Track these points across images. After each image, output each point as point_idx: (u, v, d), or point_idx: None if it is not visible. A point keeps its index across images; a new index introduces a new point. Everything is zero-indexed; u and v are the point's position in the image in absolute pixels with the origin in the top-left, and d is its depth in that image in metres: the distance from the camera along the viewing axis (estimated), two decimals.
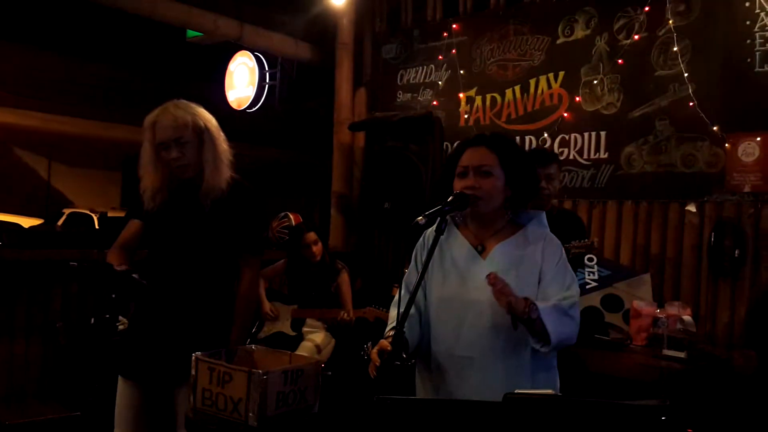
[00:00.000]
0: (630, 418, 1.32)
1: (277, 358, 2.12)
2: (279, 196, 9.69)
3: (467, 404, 1.57)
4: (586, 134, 4.27)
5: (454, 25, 4.98)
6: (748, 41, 3.63)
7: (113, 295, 2.12)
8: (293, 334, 4.20)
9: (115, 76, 13.14)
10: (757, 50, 3.61)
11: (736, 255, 3.61)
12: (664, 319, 3.38)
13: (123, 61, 13.09)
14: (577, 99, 4.30)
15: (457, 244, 2.01)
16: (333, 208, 5.65)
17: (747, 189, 3.62)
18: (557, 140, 4.40)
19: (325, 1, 5.37)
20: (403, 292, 2.01)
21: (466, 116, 4.88)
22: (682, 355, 3.14)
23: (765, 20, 3.59)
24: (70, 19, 11.36)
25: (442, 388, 1.94)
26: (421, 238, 2.09)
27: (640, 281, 3.86)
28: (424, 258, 1.95)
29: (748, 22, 3.64)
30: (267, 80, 8.49)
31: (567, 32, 4.39)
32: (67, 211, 11.92)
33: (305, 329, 4.23)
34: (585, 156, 4.27)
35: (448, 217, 1.95)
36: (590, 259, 3.88)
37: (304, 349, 4.06)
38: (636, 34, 4.05)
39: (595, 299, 3.78)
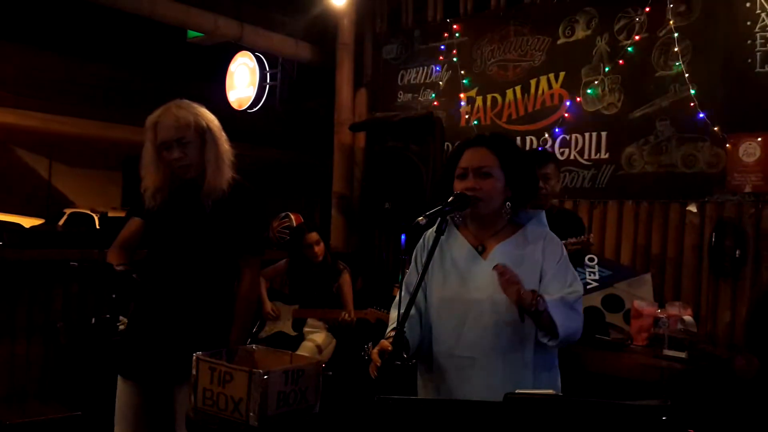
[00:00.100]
0: (631, 418, 1.32)
1: (278, 358, 2.12)
2: (279, 197, 9.70)
3: (468, 404, 1.57)
4: (586, 134, 4.27)
5: (454, 26, 4.99)
6: (749, 42, 3.63)
7: (114, 295, 2.13)
8: (294, 334, 4.20)
9: (115, 77, 13.14)
10: (758, 51, 3.60)
11: (736, 255, 3.61)
12: (664, 319, 3.38)
13: (123, 62, 13.09)
14: (578, 99, 4.30)
15: (457, 244, 2.01)
16: (333, 208, 5.65)
17: (748, 189, 3.62)
18: (558, 140, 4.40)
19: (325, 2, 5.37)
20: (403, 293, 2.02)
21: (466, 116, 4.88)
22: (682, 355, 3.14)
23: (766, 21, 3.59)
24: (70, 19, 11.36)
25: (444, 389, 1.94)
26: (421, 240, 2.09)
27: (640, 281, 3.86)
28: (424, 259, 1.95)
29: (748, 23, 3.64)
30: (267, 80, 8.49)
31: (567, 33, 4.40)
32: (67, 211, 11.93)
33: (306, 329, 4.23)
34: (586, 156, 4.27)
35: (447, 217, 1.95)
36: (591, 259, 3.89)
37: (305, 349, 4.06)
38: (636, 34, 4.05)
39: (595, 299, 3.78)
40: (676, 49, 3.88)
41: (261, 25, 6.07)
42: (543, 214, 2.05)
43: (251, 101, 8.55)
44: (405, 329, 1.79)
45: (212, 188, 2.30)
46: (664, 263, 3.93)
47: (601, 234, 4.19)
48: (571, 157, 4.33)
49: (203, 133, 2.30)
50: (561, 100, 4.40)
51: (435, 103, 5.07)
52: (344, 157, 5.64)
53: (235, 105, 8.65)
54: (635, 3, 4.06)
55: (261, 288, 4.10)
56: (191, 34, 6.93)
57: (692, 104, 3.80)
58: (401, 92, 5.34)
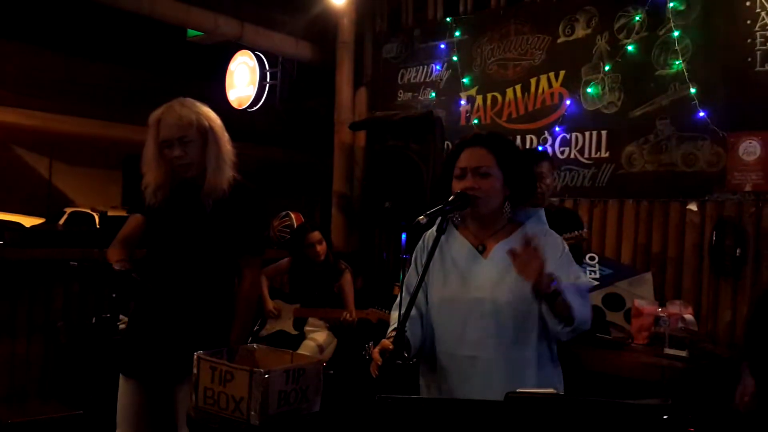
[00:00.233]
0: (632, 417, 1.32)
1: (279, 357, 2.12)
2: (279, 196, 9.69)
3: (469, 403, 1.57)
4: (587, 133, 4.27)
5: (454, 25, 4.98)
6: (749, 40, 3.63)
7: (114, 295, 2.13)
8: (295, 333, 4.20)
9: (115, 76, 13.14)
10: (758, 49, 3.60)
11: (737, 254, 3.61)
12: (665, 318, 3.39)
13: (124, 61, 13.09)
14: (578, 98, 4.30)
15: (457, 244, 2.01)
16: (334, 207, 5.65)
17: (748, 188, 3.62)
18: (558, 139, 4.40)
19: (325, 1, 5.37)
20: (404, 294, 2.02)
21: (466, 115, 4.88)
22: (683, 354, 3.15)
23: (765, 20, 3.59)
24: (70, 18, 11.36)
25: (447, 389, 1.94)
26: (420, 241, 2.09)
27: (641, 280, 3.86)
28: (424, 260, 1.95)
29: (748, 22, 3.64)
30: (268, 80, 8.49)
31: (568, 31, 4.39)
32: (68, 210, 11.93)
33: (307, 328, 4.23)
34: (586, 155, 4.27)
35: (447, 218, 1.95)
36: (591, 258, 3.89)
37: (307, 348, 4.06)
38: (636, 33, 4.05)
39: (596, 298, 3.79)
40: (676, 48, 3.88)
41: (261, 24, 6.07)
42: (542, 212, 2.06)
43: (251, 100, 8.55)
44: (406, 329, 1.79)
45: (213, 188, 2.31)
46: (664, 262, 3.93)
47: (601, 233, 4.19)
48: (572, 156, 4.33)
49: (205, 132, 2.31)
50: (561, 98, 4.40)
51: (435, 101, 5.07)
52: (344, 156, 5.64)
53: (235, 104, 8.65)
54: (635, 2, 4.05)
55: (262, 286, 4.10)
56: (191, 33, 6.92)
57: (692, 103, 3.80)
58: (401, 91, 5.34)
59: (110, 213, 10.70)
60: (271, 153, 12.86)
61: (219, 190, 2.31)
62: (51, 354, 3.93)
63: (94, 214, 10.93)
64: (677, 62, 3.86)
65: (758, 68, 3.60)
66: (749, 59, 3.63)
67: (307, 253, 4.22)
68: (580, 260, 3.64)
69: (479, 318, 1.90)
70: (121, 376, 2.38)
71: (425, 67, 5.18)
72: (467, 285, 1.94)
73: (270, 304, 4.20)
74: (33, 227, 9.77)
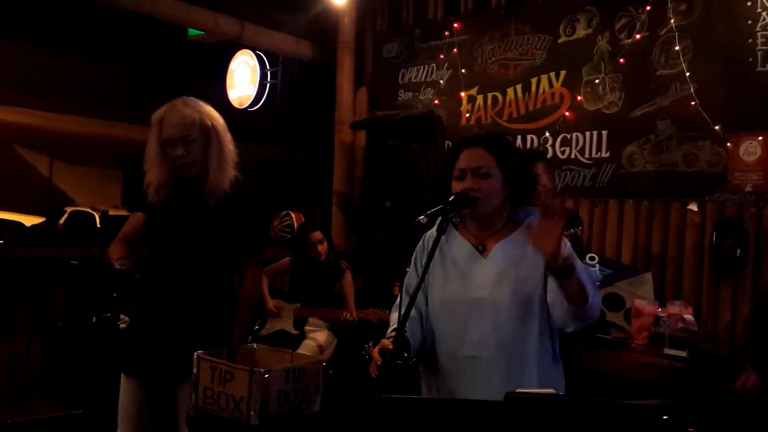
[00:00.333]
0: (631, 417, 1.32)
1: (279, 356, 2.12)
2: (280, 195, 9.69)
3: (468, 403, 1.57)
4: (587, 133, 4.27)
5: (455, 24, 4.98)
6: (750, 40, 3.63)
7: (114, 294, 2.13)
8: (295, 332, 4.20)
9: (116, 75, 13.13)
10: (759, 50, 3.60)
11: (737, 254, 3.61)
12: (665, 318, 3.39)
13: (124, 60, 13.08)
14: (579, 98, 4.30)
15: (457, 245, 2.01)
16: (334, 206, 5.65)
17: (749, 188, 3.62)
18: (558, 139, 4.40)
19: (326, 0, 5.37)
20: (403, 295, 2.02)
21: (467, 115, 4.88)
22: (683, 354, 3.14)
23: (766, 20, 3.59)
24: (71, 17, 11.36)
25: (449, 389, 1.93)
26: (420, 242, 2.09)
27: (641, 280, 3.86)
28: (423, 261, 1.95)
29: (749, 22, 3.63)
30: (268, 79, 8.50)
31: (568, 31, 4.39)
32: (68, 209, 11.92)
33: (308, 328, 4.23)
34: (586, 155, 4.26)
35: (447, 218, 1.95)
36: (591, 258, 3.89)
37: (307, 347, 4.06)
38: (637, 33, 4.05)
39: None
40: (677, 48, 3.87)
41: (261, 23, 6.07)
42: None
43: (252, 100, 8.56)
44: (406, 329, 1.79)
45: (214, 187, 2.31)
46: (664, 262, 3.92)
47: (601, 233, 4.19)
48: (572, 156, 4.33)
49: (208, 132, 2.31)
50: (562, 98, 4.40)
51: (436, 101, 5.06)
52: (345, 155, 5.64)
53: (235, 103, 8.66)
54: (636, 2, 4.05)
55: (263, 286, 4.10)
56: (192, 32, 6.93)
57: (693, 103, 3.80)
58: (402, 91, 5.34)
59: (111, 212, 10.70)
60: (271, 152, 12.86)
61: (221, 190, 2.32)
62: (51, 354, 3.93)
63: (95, 213, 10.93)
64: (678, 62, 3.86)
65: (759, 68, 3.60)
66: (750, 59, 3.62)
67: (308, 252, 4.22)
68: (580, 258, 3.65)
69: (480, 318, 1.90)
70: (122, 375, 2.39)
71: (426, 66, 5.17)
72: (468, 285, 1.94)
73: (270, 303, 4.20)
74: (33, 226, 9.76)
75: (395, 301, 2.08)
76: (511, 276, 1.91)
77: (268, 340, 4.05)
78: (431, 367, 1.99)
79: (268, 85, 8.53)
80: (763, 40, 3.59)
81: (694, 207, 3.81)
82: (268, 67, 8.53)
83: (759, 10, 3.60)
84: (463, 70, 4.91)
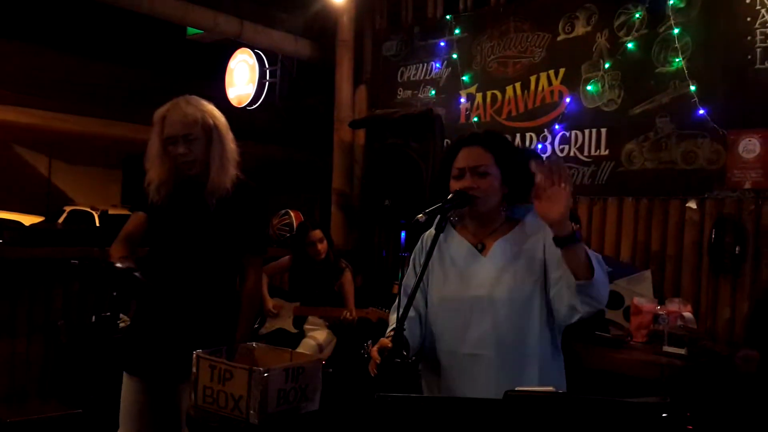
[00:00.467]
0: (630, 415, 1.31)
1: (278, 355, 2.12)
2: (279, 194, 9.69)
3: (468, 402, 1.57)
4: (586, 131, 4.27)
5: (454, 22, 4.98)
6: (749, 38, 3.62)
7: (114, 293, 2.13)
8: (295, 331, 4.20)
9: (115, 74, 13.12)
10: (758, 47, 3.60)
11: (736, 252, 3.61)
12: (664, 316, 3.38)
13: (123, 59, 13.08)
14: (578, 96, 4.30)
15: (456, 243, 2.01)
16: (333, 205, 5.65)
17: (748, 186, 3.62)
18: (558, 137, 4.40)
19: None
20: (402, 295, 2.02)
21: (466, 113, 4.88)
22: (682, 351, 3.14)
23: (766, 17, 3.58)
24: (70, 17, 11.35)
25: (450, 388, 1.94)
26: (419, 242, 2.10)
27: (640, 278, 3.86)
28: (422, 260, 1.95)
29: (748, 19, 3.63)
30: (267, 78, 8.48)
31: (567, 29, 4.39)
32: (67, 208, 11.91)
33: (307, 326, 4.23)
34: (585, 153, 4.26)
35: (446, 217, 1.95)
36: None
37: (306, 346, 4.06)
38: (636, 30, 4.05)
39: None
40: (676, 46, 3.87)
41: (260, 22, 6.06)
42: None
43: (251, 98, 8.55)
44: (404, 328, 1.79)
45: (216, 186, 2.32)
46: (663, 260, 3.92)
47: (600, 231, 4.19)
48: (571, 153, 4.33)
49: (210, 130, 2.32)
50: (561, 96, 4.40)
51: (435, 100, 5.06)
52: (344, 154, 5.64)
53: (234, 102, 8.65)
54: None
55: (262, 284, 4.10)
56: (191, 31, 6.92)
57: (692, 100, 3.80)
58: (401, 89, 5.34)
59: (110, 212, 10.70)
60: (270, 151, 12.85)
61: (222, 189, 2.33)
62: (51, 353, 3.94)
63: (94, 212, 10.93)
64: (677, 60, 3.86)
65: (758, 65, 3.59)
66: (749, 56, 3.62)
67: (307, 251, 4.22)
68: None
69: (480, 316, 1.90)
70: (124, 373, 2.39)
71: (425, 64, 5.17)
72: (467, 283, 1.94)
73: (269, 302, 4.20)
74: (32, 226, 9.76)
75: (394, 300, 2.08)
76: (510, 274, 1.91)
77: (268, 338, 4.05)
78: (431, 366, 1.99)
79: (267, 83, 8.52)
80: (762, 37, 3.59)
81: (693, 204, 3.81)
82: (267, 66, 8.52)
83: (758, 7, 3.60)
84: (462, 68, 4.90)
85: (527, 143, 4.52)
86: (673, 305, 3.45)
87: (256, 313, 2.57)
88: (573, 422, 1.32)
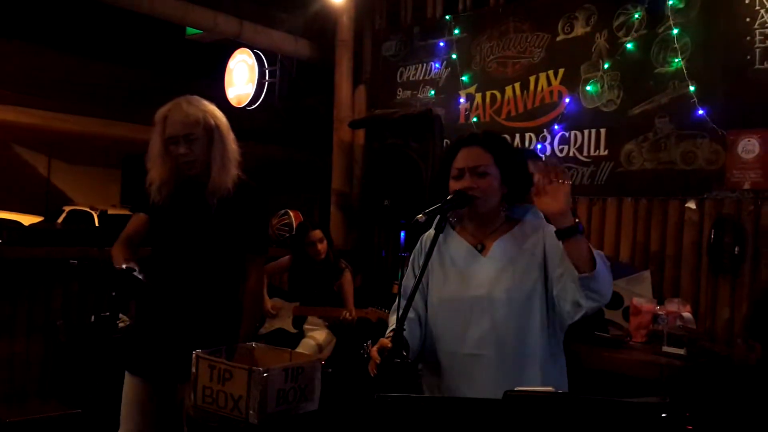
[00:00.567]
0: (630, 415, 1.31)
1: (278, 355, 2.12)
2: (278, 194, 9.69)
3: (467, 402, 1.57)
4: (585, 131, 4.27)
5: (453, 22, 4.98)
6: (748, 38, 3.62)
7: (113, 293, 2.13)
8: (294, 331, 4.20)
9: (115, 74, 13.12)
10: (757, 47, 3.60)
11: (735, 252, 3.61)
12: (663, 316, 3.38)
13: (123, 59, 13.07)
14: (577, 96, 4.30)
15: (456, 244, 2.01)
16: (333, 205, 5.65)
17: (747, 186, 3.62)
18: (557, 137, 4.40)
19: None
20: (401, 296, 2.02)
21: (466, 114, 4.88)
22: (681, 351, 3.14)
23: (765, 17, 3.58)
24: (70, 17, 11.35)
25: (451, 388, 1.94)
26: (418, 244, 2.10)
27: (639, 278, 3.86)
28: (421, 261, 1.95)
29: (748, 19, 3.63)
30: (267, 77, 8.48)
31: (567, 29, 4.39)
32: (67, 208, 11.91)
33: (307, 326, 4.23)
34: (585, 153, 4.26)
35: (445, 217, 1.95)
36: None
37: (306, 346, 4.06)
38: (636, 31, 4.05)
39: None
40: (675, 46, 3.87)
41: (260, 22, 6.06)
42: None
43: (250, 98, 8.54)
44: (404, 328, 1.79)
45: (217, 186, 2.32)
46: (663, 260, 3.92)
47: (599, 231, 4.19)
48: (570, 154, 4.33)
49: (211, 131, 2.33)
50: (560, 96, 4.40)
51: (434, 100, 5.06)
52: (343, 154, 5.64)
53: (234, 102, 8.65)
54: (634, 0, 4.05)
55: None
56: (190, 31, 6.92)
57: (691, 101, 3.80)
58: (400, 89, 5.34)
59: (110, 212, 10.69)
60: (270, 151, 12.85)
61: (224, 189, 2.33)
62: (50, 353, 3.94)
63: (93, 212, 10.92)
64: (676, 60, 3.86)
65: (757, 66, 3.60)
66: (748, 57, 3.62)
67: (307, 251, 4.22)
68: None
69: (480, 316, 1.90)
70: (126, 373, 2.40)
71: (424, 65, 5.17)
72: (467, 283, 1.94)
73: (268, 303, 4.20)
74: (32, 226, 9.75)
75: (394, 300, 2.08)
76: (510, 273, 1.91)
77: (267, 338, 4.05)
78: (432, 367, 1.99)
79: (267, 83, 8.52)
80: (762, 37, 3.59)
81: (692, 205, 3.81)
82: (266, 66, 8.52)
83: (757, 7, 3.60)
84: (461, 69, 4.90)
85: (526, 143, 4.52)
86: (673, 305, 3.45)
87: (259, 311, 2.58)
88: (572, 422, 1.32)
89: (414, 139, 4.89)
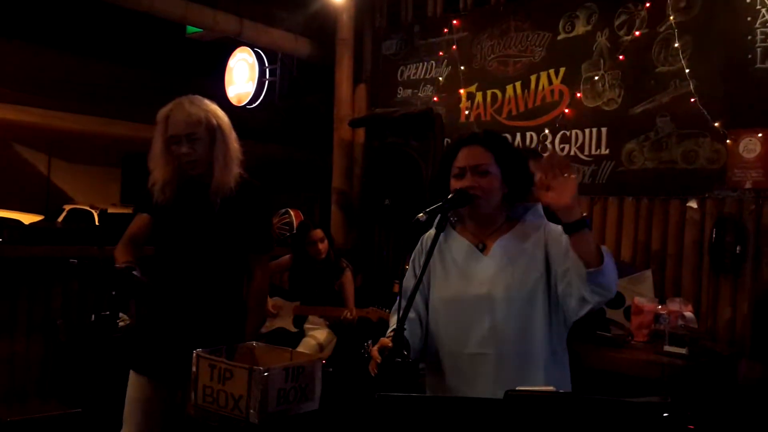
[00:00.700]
0: (632, 415, 1.31)
1: (279, 355, 2.12)
2: (279, 193, 9.68)
3: (468, 401, 1.57)
4: (587, 130, 4.26)
5: (454, 21, 4.97)
6: (749, 37, 3.62)
7: (113, 292, 2.13)
8: (295, 330, 4.20)
9: (115, 73, 13.13)
10: (758, 46, 3.59)
11: (737, 251, 3.60)
12: (665, 316, 3.38)
13: (123, 58, 13.08)
14: (578, 95, 4.29)
15: (457, 244, 2.00)
16: (333, 204, 5.64)
17: (748, 185, 3.61)
18: (558, 137, 4.39)
19: None
20: (402, 297, 2.01)
21: (466, 112, 4.87)
22: (683, 351, 3.14)
23: (766, 16, 3.58)
24: (70, 16, 11.35)
25: (455, 388, 1.92)
26: (418, 244, 2.09)
27: (641, 277, 3.85)
28: (422, 262, 1.95)
29: (749, 18, 3.63)
30: (267, 76, 8.49)
31: (568, 28, 4.38)
32: (67, 207, 11.91)
33: (307, 326, 4.23)
34: (586, 152, 4.26)
35: (446, 216, 1.94)
36: None
37: (306, 346, 4.06)
38: (637, 30, 4.04)
39: None
40: (676, 45, 3.86)
41: (260, 20, 6.05)
42: (539, 206, 2.05)
43: (250, 97, 8.55)
44: (405, 328, 1.79)
45: (220, 186, 2.32)
46: (664, 259, 3.92)
47: (601, 230, 4.18)
48: (571, 153, 4.32)
49: (213, 130, 2.33)
50: (561, 95, 4.39)
51: (435, 98, 5.05)
52: (344, 153, 5.63)
53: (234, 101, 8.65)
54: None
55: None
56: (190, 29, 6.92)
57: (693, 100, 3.79)
58: (401, 88, 5.33)
59: (110, 210, 10.69)
60: (270, 150, 12.85)
61: (226, 188, 2.33)
62: (50, 352, 3.93)
63: (93, 211, 10.92)
64: (678, 59, 3.85)
65: (759, 65, 3.59)
66: (749, 56, 3.62)
67: (308, 250, 4.22)
68: None
69: (482, 315, 1.89)
70: (131, 372, 2.39)
71: (425, 63, 5.16)
72: (469, 283, 1.93)
73: (269, 302, 4.19)
74: (32, 225, 9.77)
75: (395, 299, 2.07)
76: (511, 272, 1.90)
77: (268, 338, 4.04)
78: (434, 367, 1.99)
79: (267, 82, 8.52)
80: (763, 36, 3.59)
81: (693, 204, 3.81)
82: (266, 65, 8.52)
83: (758, 6, 3.60)
84: (462, 67, 4.90)
85: (527, 142, 4.51)
86: (674, 305, 3.45)
87: (264, 309, 2.59)
88: (574, 422, 1.31)
89: (414, 138, 4.88)
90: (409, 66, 5.28)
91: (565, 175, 1.66)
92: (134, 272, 2.13)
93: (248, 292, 2.44)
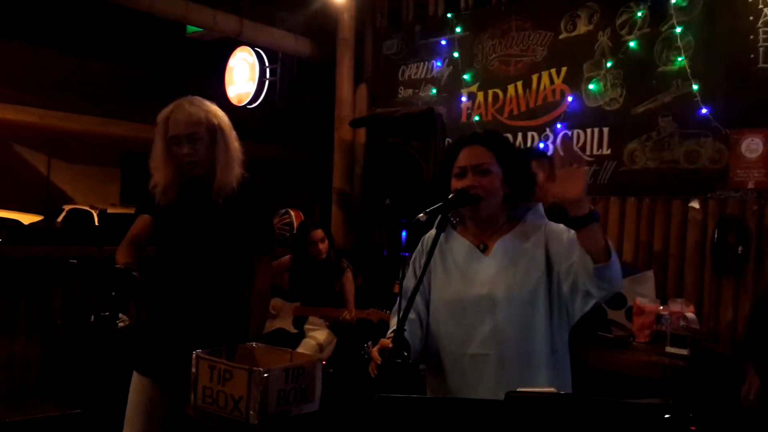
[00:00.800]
0: (633, 416, 1.30)
1: (278, 355, 2.11)
2: (279, 193, 9.68)
3: (469, 402, 1.56)
4: (588, 130, 4.25)
5: (455, 21, 4.96)
6: (751, 37, 3.61)
7: (113, 293, 2.12)
8: (295, 331, 4.19)
9: (115, 73, 13.12)
10: (761, 46, 3.58)
11: (739, 252, 3.59)
12: (667, 316, 3.37)
13: (123, 58, 13.08)
14: (580, 95, 4.28)
15: (458, 245, 1.99)
16: (334, 204, 5.64)
17: (750, 185, 3.60)
18: (559, 136, 4.38)
19: None
20: (402, 297, 2.00)
21: (467, 112, 4.86)
22: (685, 352, 3.13)
23: None
24: (70, 16, 11.36)
25: (456, 389, 1.91)
26: (419, 245, 2.08)
27: (643, 278, 3.84)
28: (422, 262, 1.94)
29: (751, 18, 3.62)
30: (267, 76, 8.48)
31: (569, 27, 4.37)
32: (66, 207, 11.90)
33: (307, 327, 4.22)
34: (588, 152, 4.24)
35: (447, 217, 1.93)
36: None
37: (306, 346, 4.05)
38: (639, 29, 4.03)
39: None
40: (678, 44, 3.85)
41: (260, 20, 6.05)
42: (540, 207, 2.04)
43: (251, 97, 8.55)
44: (405, 329, 1.77)
45: (222, 186, 2.32)
46: (666, 260, 3.91)
47: (603, 231, 4.17)
48: None
49: (214, 130, 2.33)
50: (563, 95, 4.38)
51: (436, 98, 5.04)
52: (344, 153, 5.63)
53: (234, 101, 8.65)
54: None
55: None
56: (190, 29, 6.92)
57: (695, 100, 3.78)
58: (402, 88, 5.32)
59: (110, 210, 10.68)
60: (270, 150, 12.84)
61: (228, 188, 2.33)
62: (49, 353, 3.93)
63: (93, 211, 10.91)
64: (680, 59, 3.84)
65: (761, 65, 3.58)
66: (752, 55, 3.60)
67: (308, 251, 4.21)
68: None
69: (484, 316, 1.88)
70: (134, 373, 2.39)
71: (426, 63, 5.15)
72: (471, 283, 1.92)
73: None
74: (31, 225, 9.76)
75: (395, 300, 2.06)
76: (512, 272, 1.89)
77: (268, 338, 4.03)
78: (435, 368, 1.97)
79: (267, 82, 8.52)
80: (765, 36, 3.57)
81: (695, 204, 3.79)
82: (267, 64, 8.52)
83: (761, 6, 3.58)
84: (463, 67, 4.89)
85: (529, 142, 4.50)
86: (676, 305, 3.43)
87: (267, 309, 2.59)
88: (575, 423, 1.31)
89: (415, 137, 4.87)
90: (410, 66, 5.27)
91: (574, 165, 1.64)
92: (134, 273, 2.12)
93: (251, 293, 2.43)
